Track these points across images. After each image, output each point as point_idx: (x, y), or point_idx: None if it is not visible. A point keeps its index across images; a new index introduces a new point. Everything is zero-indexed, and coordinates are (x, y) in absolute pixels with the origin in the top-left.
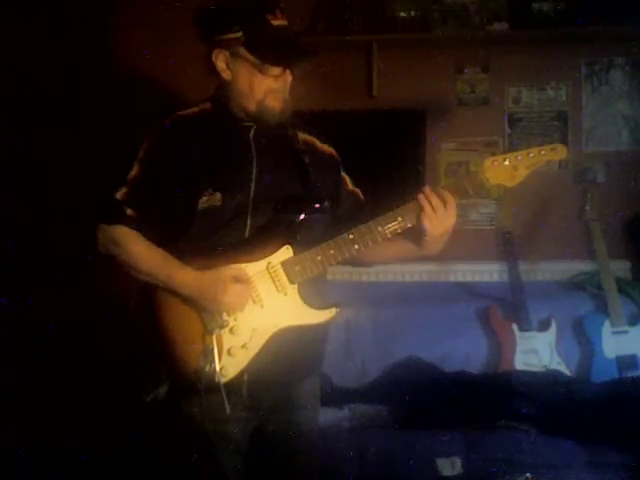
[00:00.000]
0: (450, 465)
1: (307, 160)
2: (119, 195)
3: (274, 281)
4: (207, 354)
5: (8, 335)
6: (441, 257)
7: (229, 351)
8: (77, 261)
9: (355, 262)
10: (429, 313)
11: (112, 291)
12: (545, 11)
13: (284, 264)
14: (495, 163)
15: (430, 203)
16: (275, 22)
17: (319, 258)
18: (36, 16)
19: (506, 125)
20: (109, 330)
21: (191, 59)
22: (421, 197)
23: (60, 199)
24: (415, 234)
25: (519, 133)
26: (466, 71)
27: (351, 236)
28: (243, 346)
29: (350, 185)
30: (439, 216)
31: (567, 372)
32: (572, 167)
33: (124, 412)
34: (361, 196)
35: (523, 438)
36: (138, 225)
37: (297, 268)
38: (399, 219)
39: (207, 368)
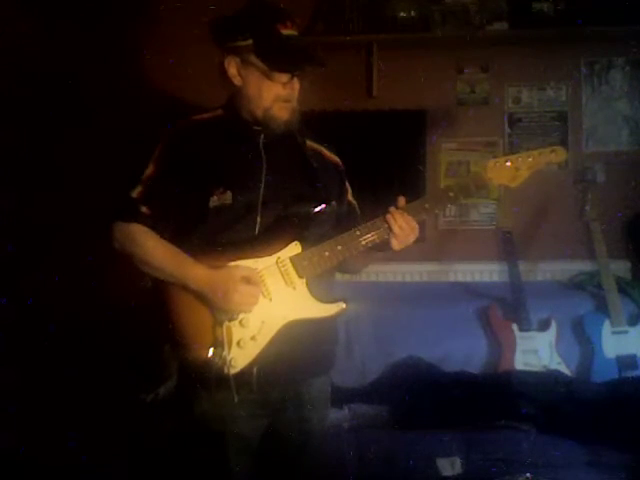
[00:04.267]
0: (450, 465)
1: (315, 164)
2: (135, 194)
3: (283, 275)
4: (217, 345)
5: (8, 335)
6: (441, 257)
7: (238, 343)
8: (77, 260)
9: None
10: (429, 313)
11: (113, 290)
12: (545, 11)
13: (293, 259)
14: (497, 164)
15: (397, 223)
16: (285, 32)
17: (327, 254)
18: (53, 17)
19: (506, 125)
20: (109, 330)
21: (205, 63)
22: (389, 217)
23: (69, 198)
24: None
25: (519, 133)
26: (466, 71)
27: (358, 232)
28: (252, 338)
29: (350, 196)
30: (405, 234)
31: (567, 372)
32: (572, 167)
33: (124, 412)
34: (357, 209)
35: (523, 438)
36: (152, 223)
37: (305, 263)
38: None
39: (217, 359)
